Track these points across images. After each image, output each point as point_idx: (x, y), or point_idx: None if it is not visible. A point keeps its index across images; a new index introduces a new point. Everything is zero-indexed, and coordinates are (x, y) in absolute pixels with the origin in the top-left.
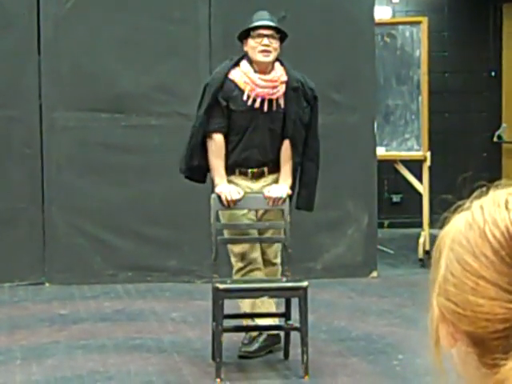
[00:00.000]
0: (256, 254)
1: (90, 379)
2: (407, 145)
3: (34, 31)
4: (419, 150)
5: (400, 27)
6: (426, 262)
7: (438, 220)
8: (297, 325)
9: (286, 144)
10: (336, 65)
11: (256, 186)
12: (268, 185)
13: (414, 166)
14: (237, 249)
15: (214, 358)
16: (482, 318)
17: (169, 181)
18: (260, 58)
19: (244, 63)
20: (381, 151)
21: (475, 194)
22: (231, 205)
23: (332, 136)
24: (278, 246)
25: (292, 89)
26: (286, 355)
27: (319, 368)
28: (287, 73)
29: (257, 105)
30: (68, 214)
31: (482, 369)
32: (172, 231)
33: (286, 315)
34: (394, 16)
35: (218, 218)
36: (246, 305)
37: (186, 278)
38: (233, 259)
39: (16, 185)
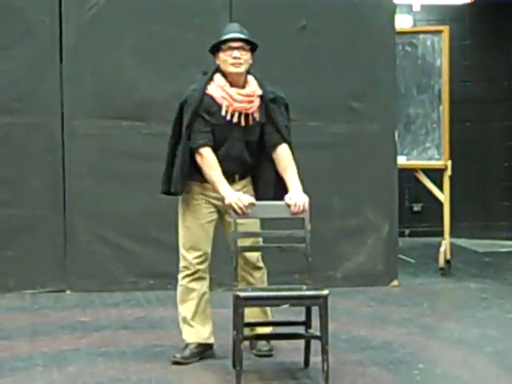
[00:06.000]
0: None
1: None
2: (428, 154)
3: (56, 38)
4: (440, 159)
5: (421, 36)
6: (446, 271)
7: (459, 229)
8: (317, 333)
9: (284, 150)
10: (357, 74)
11: None
12: (238, 191)
13: (435, 174)
14: (188, 240)
15: (234, 366)
16: None
17: None
18: (231, 69)
19: (218, 77)
20: (401, 160)
21: None
22: (245, 211)
23: (353, 144)
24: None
25: (270, 100)
26: (307, 363)
27: (339, 376)
28: (261, 86)
29: (235, 120)
30: (89, 221)
31: None
32: None
33: (307, 323)
34: (414, 25)
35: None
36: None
37: None
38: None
39: (37, 192)
